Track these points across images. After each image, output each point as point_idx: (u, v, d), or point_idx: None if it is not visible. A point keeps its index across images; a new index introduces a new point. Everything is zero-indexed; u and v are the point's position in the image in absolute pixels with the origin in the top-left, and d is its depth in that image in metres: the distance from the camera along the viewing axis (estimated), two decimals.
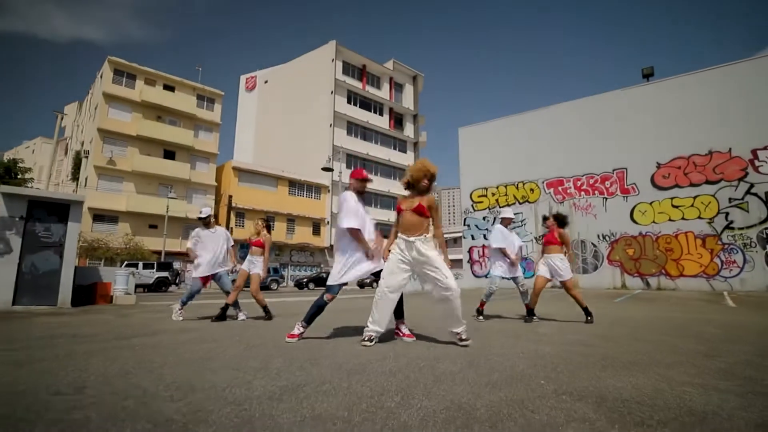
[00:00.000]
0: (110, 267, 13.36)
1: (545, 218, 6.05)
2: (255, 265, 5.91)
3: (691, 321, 5.69)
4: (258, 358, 2.91)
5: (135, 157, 29.84)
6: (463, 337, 3.43)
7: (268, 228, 6.11)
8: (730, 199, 15.65)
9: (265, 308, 5.91)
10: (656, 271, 16.71)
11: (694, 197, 16.24)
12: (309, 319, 3.76)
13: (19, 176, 22.70)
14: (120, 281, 9.97)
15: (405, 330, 3.87)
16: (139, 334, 4.30)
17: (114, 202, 28.60)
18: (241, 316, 5.84)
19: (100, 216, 28.41)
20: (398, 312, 3.87)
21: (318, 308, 3.75)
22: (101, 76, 31.87)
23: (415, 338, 3.80)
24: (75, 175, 33.48)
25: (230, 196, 31.86)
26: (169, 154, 31.98)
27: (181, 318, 5.80)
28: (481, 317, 5.80)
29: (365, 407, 1.80)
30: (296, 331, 3.72)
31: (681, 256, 16.24)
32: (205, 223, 6.04)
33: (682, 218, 16.39)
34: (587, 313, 5.35)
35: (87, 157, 30.15)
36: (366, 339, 3.44)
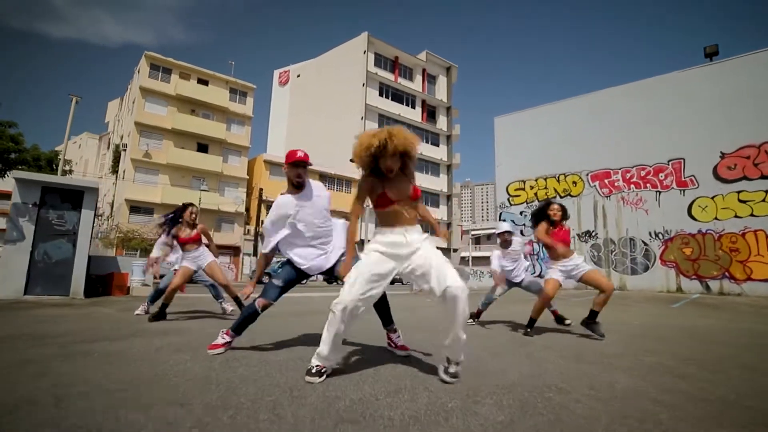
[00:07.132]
0: (140, 258, 13.20)
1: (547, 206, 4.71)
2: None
3: None
4: (222, 385, 2.13)
5: (170, 150, 30.30)
6: None
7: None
8: None
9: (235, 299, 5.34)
10: (718, 273, 14.92)
11: (766, 191, 14.32)
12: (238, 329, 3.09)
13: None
14: (137, 272, 9.64)
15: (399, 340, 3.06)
16: (114, 337, 3.65)
17: (150, 194, 29.16)
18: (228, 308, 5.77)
19: (137, 207, 29.07)
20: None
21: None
22: (138, 71, 32.57)
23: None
24: (114, 168, 34.51)
25: (261, 189, 31.91)
26: (203, 147, 32.30)
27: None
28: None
29: None
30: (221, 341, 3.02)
31: (749, 257, 14.39)
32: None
33: (751, 215, 14.50)
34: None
35: (125, 150, 30.90)
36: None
